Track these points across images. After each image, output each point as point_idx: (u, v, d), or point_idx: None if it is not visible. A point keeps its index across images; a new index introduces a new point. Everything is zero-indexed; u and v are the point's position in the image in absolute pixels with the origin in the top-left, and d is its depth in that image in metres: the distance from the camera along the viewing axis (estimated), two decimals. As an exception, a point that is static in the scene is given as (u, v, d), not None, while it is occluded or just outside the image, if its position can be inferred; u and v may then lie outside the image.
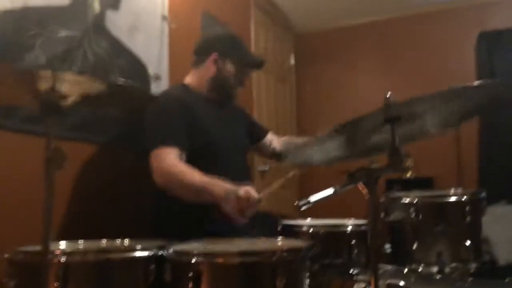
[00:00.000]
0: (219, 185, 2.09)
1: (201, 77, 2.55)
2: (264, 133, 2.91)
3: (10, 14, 2.06)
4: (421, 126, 1.68)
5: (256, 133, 2.85)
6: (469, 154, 4.45)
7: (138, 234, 1.89)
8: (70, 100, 1.40)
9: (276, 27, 5.09)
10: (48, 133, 1.33)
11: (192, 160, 2.26)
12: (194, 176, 2.15)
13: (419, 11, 5.25)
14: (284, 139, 2.95)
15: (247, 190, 2.02)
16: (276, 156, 2.84)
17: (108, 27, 2.57)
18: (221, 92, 2.55)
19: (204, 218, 2.24)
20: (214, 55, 2.52)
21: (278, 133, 4.90)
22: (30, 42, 2.13)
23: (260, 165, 2.87)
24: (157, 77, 2.89)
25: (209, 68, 2.53)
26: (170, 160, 2.20)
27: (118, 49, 2.63)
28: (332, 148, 1.72)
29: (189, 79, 2.59)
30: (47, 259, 1.26)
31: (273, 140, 2.90)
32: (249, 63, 2.63)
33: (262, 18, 4.74)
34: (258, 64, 2.71)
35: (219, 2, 3.80)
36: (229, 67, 2.53)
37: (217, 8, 3.70)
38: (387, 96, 1.55)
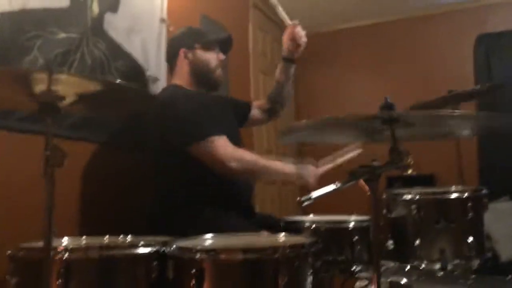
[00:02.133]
0: (287, 165, 2.33)
1: (182, 76, 2.56)
2: (249, 107, 2.93)
3: (9, 16, 2.06)
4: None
5: (242, 112, 2.87)
6: (470, 151, 4.45)
7: (140, 232, 1.89)
8: (67, 101, 1.40)
9: (274, 29, 5.09)
10: (47, 132, 1.33)
11: (191, 163, 2.27)
12: (264, 160, 2.35)
13: (418, 14, 5.26)
14: (266, 95, 3.00)
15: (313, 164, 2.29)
16: (271, 113, 2.93)
17: (106, 29, 2.58)
18: (205, 80, 2.56)
19: (205, 215, 2.24)
20: (181, 51, 2.54)
21: (276, 133, 4.92)
22: (29, 44, 2.13)
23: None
24: (155, 80, 2.89)
25: (182, 65, 2.55)
26: (233, 147, 2.30)
27: (116, 51, 2.63)
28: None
29: (177, 80, 2.58)
30: (49, 256, 1.26)
31: (261, 104, 2.95)
32: (216, 41, 2.63)
33: (260, 21, 4.75)
34: (226, 41, 2.71)
35: (217, 5, 3.81)
36: (200, 54, 2.55)
37: (215, 11, 3.71)
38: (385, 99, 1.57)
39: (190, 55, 2.54)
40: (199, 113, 2.33)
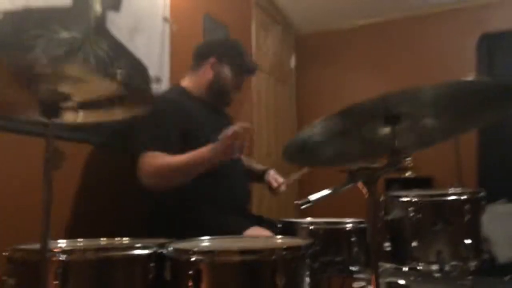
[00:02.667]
0: (203, 149, 2.18)
1: (199, 81, 2.57)
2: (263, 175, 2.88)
3: (11, 15, 2.07)
4: (424, 133, 1.70)
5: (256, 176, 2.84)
6: (468, 153, 4.45)
7: (137, 234, 1.90)
8: (71, 102, 1.41)
9: (277, 28, 5.10)
10: (48, 134, 1.33)
11: None
12: (178, 157, 2.20)
13: (420, 13, 5.26)
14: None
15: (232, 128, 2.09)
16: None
17: (109, 28, 2.58)
18: (218, 96, 2.58)
19: (203, 217, 2.25)
20: (212, 59, 2.55)
21: (278, 134, 4.95)
22: (31, 43, 2.14)
23: (260, 165, 2.87)
24: (158, 79, 2.90)
25: (206, 72, 2.55)
26: (156, 162, 2.22)
27: (119, 50, 2.64)
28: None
29: (186, 82, 2.61)
30: (46, 257, 1.27)
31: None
32: (246, 69, 2.64)
33: (263, 20, 4.76)
34: (252, 70, 2.73)
35: (220, 4, 3.81)
36: (227, 72, 2.55)
37: (218, 10, 3.72)
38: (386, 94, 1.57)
39: (218, 67, 2.55)
40: (154, 125, 2.28)
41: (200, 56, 2.62)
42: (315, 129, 1.65)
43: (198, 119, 2.43)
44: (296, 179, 2.58)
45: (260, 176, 2.75)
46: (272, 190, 2.67)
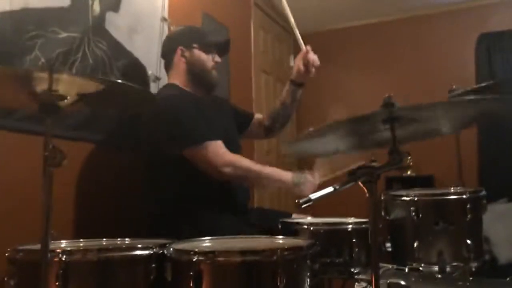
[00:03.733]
0: (284, 172, 2.34)
1: (178, 74, 2.57)
2: (250, 117, 2.94)
3: (10, 15, 2.06)
4: (423, 127, 1.69)
5: (243, 121, 2.87)
6: (469, 152, 4.46)
7: (138, 234, 1.90)
8: (68, 101, 1.40)
9: (276, 28, 5.10)
10: (46, 132, 1.33)
11: (188, 164, 2.28)
12: (260, 167, 2.36)
13: (419, 13, 5.26)
14: (267, 112, 2.96)
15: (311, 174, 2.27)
16: (268, 131, 2.92)
17: (108, 28, 2.58)
18: (200, 81, 2.57)
19: (203, 217, 2.25)
20: (178, 49, 2.55)
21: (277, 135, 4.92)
22: (30, 44, 2.13)
23: (260, 162, 2.88)
24: (156, 79, 2.89)
25: (179, 63, 2.56)
26: (228, 153, 2.30)
27: (118, 50, 2.64)
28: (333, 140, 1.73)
29: (172, 80, 2.61)
30: (46, 258, 1.26)
31: (261, 120, 2.93)
32: (214, 45, 2.63)
33: (262, 20, 4.76)
34: (224, 44, 2.71)
35: (219, 4, 3.81)
36: (197, 54, 2.55)
37: (217, 10, 3.71)
38: (387, 96, 1.56)
39: (187, 54, 2.55)
40: (195, 117, 2.33)
41: (167, 52, 2.63)
42: (314, 137, 1.65)
43: (204, 113, 2.43)
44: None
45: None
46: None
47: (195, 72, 2.55)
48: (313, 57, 2.66)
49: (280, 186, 2.32)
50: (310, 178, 2.28)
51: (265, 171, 2.35)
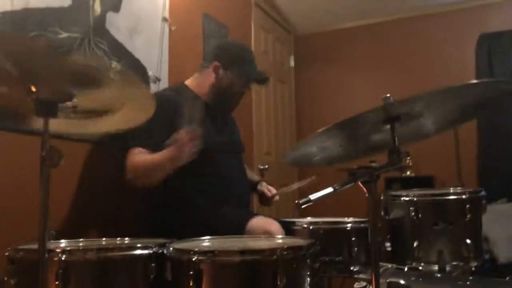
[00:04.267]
0: (171, 149, 2.16)
1: (201, 82, 2.57)
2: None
3: (11, 15, 2.07)
4: (421, 126, 1.69)
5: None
6: (468, 152, 4.46)
7: (138, 233, 1.90)
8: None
9: (276, 29, 5.10)
10: (43, 132, 1.33)
11: (188, 164, 2.27)
12: (154, 155, 2.22)
13: (419, 13, 5.25)
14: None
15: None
16: None
17: (108, 29, 2.58)
18: (219, 100, 2.56)
19: (203, 216, 2.25)
20: (215, 63, 2.53)
21: (277, 134, 4.94)
22: (31, 44, 2.13)
23: (260, 163, 2.89)
24: (157, 79, 2.90)
25: (209, 75, 2.55)
26: (131, 158, 2.26)
27: (119, 51, 2.64)
28: (332, 147, 1.73)
29: (190, 82, 2.61)
30: (45, 257, 1.26)
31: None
32: (250, 78, 2.61)
33: (262, 20, 4.75)
34: (261, 81, 2.69)
35: (219, 4, 3.81)
36: (229, 78, 2.53)
37: (217, 10, 3.71)
38: (386, 96, 1.57)
39: (221, 72, 2.53)
40: (152, 120, 2.28)
41: (208, 58, 2.62)
42: (314, 141, 1.66)
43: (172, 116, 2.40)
44: (302, 187, 2.59)
45: (252, 186, 2.77)
46: (265, 198, 2.70)
47: (217, 92, 2.54)
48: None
49: (173, 163, 2.22)
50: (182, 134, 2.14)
51: (156, 158, 2.22)
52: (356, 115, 1.46)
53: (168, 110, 2.29)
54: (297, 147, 1.94)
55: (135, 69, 2.76)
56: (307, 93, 5.54)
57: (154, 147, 2.23)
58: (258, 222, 2.16)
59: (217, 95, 2.55)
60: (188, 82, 2.61)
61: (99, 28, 2.52)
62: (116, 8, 2.65)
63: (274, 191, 2.70)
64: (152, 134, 2.26)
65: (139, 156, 2.25)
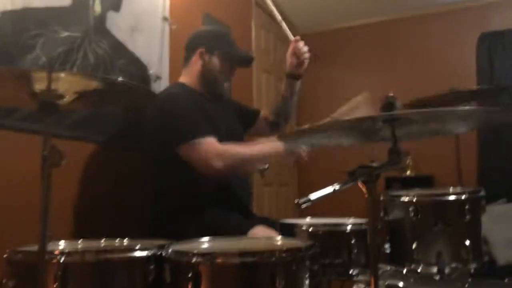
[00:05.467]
0: (272, 143, 2.36)
1: (191, 73, 2.57)
2: (257, 113, 2.93)
3: (11, 15, 2.07)
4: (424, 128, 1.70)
5: (249, 117, 2.88)
6: (468, 153, 4.46)
7: (137, 234, 1.90)
8: (67, 99, 1.40)
9: (277, 27, 5.08)
10: (45, 132, 1.33)
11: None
12: (251, 149, 2.36)
13: (420, 12, 5.26)
14: (270, 108, 2.97)
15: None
16: (273, 127, 2.88)
17: (109, 28, 2.59)
18: (209, 86, 2.56)
19: (203, 217, 2.25)
20: (200, 49, 2.54)
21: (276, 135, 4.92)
22: (31, 43, 2.14)
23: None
24: (158, 78, 2.90)
25: (195, 63, 2.56)
26: (217, 146, 2.28)
27: (119, 50, 2.64)
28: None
29: (182, 78, 2.61)
30: (43, 258, 1.26)
31: (265, 116, 2.92)
32: (236, 58, 2.62)
33: (263, 19, 4.75)
34: (246, 60, 2.72)
35: (220, 3, 3.81)
36: (215, 62, 2.54)
37: (218, 9, 3.71)
38: (387, 95, 1.57)
39: (206, 57, 2.54)
40: (189, 115, 2.32)
41: (189, 48, 2.61)
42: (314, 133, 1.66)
43: (206, 112, 2.44)
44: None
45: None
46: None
47: (207, 79, 2.55)
48: (302, 47, 2.64)
49: (275, 159, 2.31)
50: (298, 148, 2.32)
51: (255, 150, 2.34)
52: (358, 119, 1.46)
53: (193, 102, 2.37)
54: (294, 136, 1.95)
55: (136, 68, 2.76)
56: (308, 92, 5.53)
57: (216, 135, 2.30)
58: (258, 233, 2.17)
59: (206, 82, 2.55)
60: (182, 79, 2.61)
61: (100, 28, 2.52)
62: (117, 7, 2.65)
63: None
64: (206, 123, 2.33)
65: (230, 146, 2.30)
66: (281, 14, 2.70)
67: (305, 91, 5.57)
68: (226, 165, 2.25)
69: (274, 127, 2.88)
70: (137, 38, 2.78)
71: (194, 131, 2.27)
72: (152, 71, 2.87)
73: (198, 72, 2.55)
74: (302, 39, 2.66)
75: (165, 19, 3.02)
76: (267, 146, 2.35)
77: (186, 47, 2.64)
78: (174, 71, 3.00)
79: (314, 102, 5.42)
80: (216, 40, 2.60)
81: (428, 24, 5.24)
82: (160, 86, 2.89)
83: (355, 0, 5.04)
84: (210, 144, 2.26)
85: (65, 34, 2.30)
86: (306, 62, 2.66)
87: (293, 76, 2.76)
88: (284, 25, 2.66)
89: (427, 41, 5.20)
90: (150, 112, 2.37)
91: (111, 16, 2.60)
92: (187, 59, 2.61)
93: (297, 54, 2.64)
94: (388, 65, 5.32)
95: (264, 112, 2.95)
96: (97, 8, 2.51)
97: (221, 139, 2.35)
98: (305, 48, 2.64)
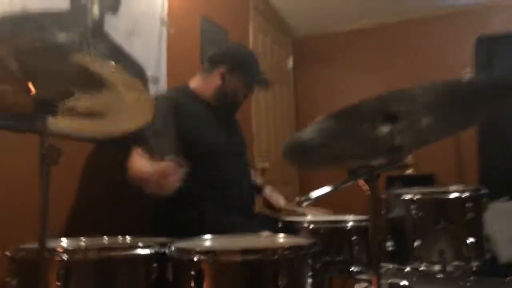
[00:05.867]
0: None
1: (207, 85, 2.58)
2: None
3: (9, 18, 2.06)
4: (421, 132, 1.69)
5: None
6: (469, 151, 4.46)
7: (140, 233, 1.89)
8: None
9: (274, 31, 5.10)
10: (42, 130, 1.33)
11: (192, 164, 2.27)
12: (144, 167, 2.09)
13: (418, 16, 5.26)
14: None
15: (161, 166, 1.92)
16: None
17: (107, 31, 2.58)
18: (224, 103, 2.59)
19: (204, 216, 2.25)
20: (222, 68, 2.55)
21: (276, 137, 4.94)
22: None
23: (260, 162, 2.89)
24: (155, 81, 2.90)
25: (215, 79, 2.56)
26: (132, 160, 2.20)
27: (117, 53, 2.63)
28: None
29: (194, 83, 2.63)
30: (44, 255, 1.26)
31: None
32: (255, 82, 2.65)
33: (260, 23, 4.76)
34: (263, 84, 2.72)
35: (218, 7, 3.81)
36: (235, 83, 2.56)
37: (216, 13, 3.71)
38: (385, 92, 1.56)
39: (227, 77, 2.55)
40: (156, 121, 2.26)
41: (213, 61, 2.62)
42: (314, 130, 1.64)
43: (199, 121, 2.44)
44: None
45: (257, 190, 2.79)
46: (271, 207, 2.70)
47: (223, 96, 2.56)
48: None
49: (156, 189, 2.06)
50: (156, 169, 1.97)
51: (145, 171, 2.05)
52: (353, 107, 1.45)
53: (173, 109, 2.34)
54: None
55: (134, 70, 2.75)
56: (306, 95, 5.55)
57: (154, 151, 2.16)
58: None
59: (222, 98, 2.57)
60: (192, 84, 2.62)
61: (98, 31, 2.52)
62: (114, 10, 2.65)
63: (281, 201, 2.70)
64: (154, 135, 2.24)
65: (138, 161, 2.17)
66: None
67: (302, 92, 5.60)
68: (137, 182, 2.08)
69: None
70: (135, 41, 2.78)
71: (135, 140, 2.21)
72: (150, 73, 2.87)
73: (216, 88, 2.56)
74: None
75: (163, 22, 3.02)
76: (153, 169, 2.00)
77: (210, 59, 2.66)
78: (172, 74, 3.00)
79: (313, 104, 5.43)
80: (240, 63, 2.60)
81: (426, 27, 5.24)
82: (158, 88, 2.88)
83: (354, 3, 5.05)
84: (132, 158, 2.21)
85: (63, 37, 2.29)
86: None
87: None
88: None
89: (425, 43, 5.21)
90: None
91: (109, 19, 2.59)
92: (207, 70, 2.62)
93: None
94: (386, 68, 5.32)
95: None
96: (95, 11, 2.51)
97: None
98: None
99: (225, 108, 2.61)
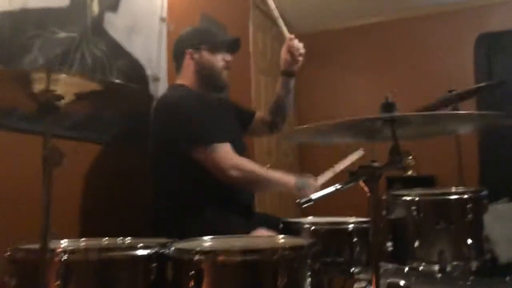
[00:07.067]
0: (288, 177, 2.37)
1: (187, 76, 2.57)
2: (252, 114, 2.93)
3: (9, 16, 2.06)
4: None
5: (245, 118, 2.86)
6: (470, 152, 4.45)
7: (139, 233, 1.89)
8: (66, 101, 1.40)
9: (274, 28, 5.08)
10: (45, 132, 1.33)
11: (192, 164, 2.27)
12: (265, 171, 2.40)
13: (418, 13, 5.25)
14: (267, 108, 2.95)
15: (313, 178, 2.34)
16: (271, 126, 2.87)
17: (106, 28, 2.57)
18: (211, 82, 2.57)
19: (206, 217, 2.25)
20: (187, 52, 2.54)
21: (277, 135, 4.93)
22: (29, 44, 2.12)
23: (260, 163, 2.89)
24: (156, 79, 2.89)
25: (188, 66, 2.56)
26: (236, 156, 2.31)
27: (117, 50, 2.63)
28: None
29: (181, 81, 2.60)
30: (46, 257, 1.26)
31: (262, 116, 2.91)
32: (223, 45, 2.61)
33: (261, 20, 4.75)
34: (234, 44, 2.70)
35: (218, 4, 3.80)
36: (205, 56, 2.54)
37: (216, 10, 3.70)
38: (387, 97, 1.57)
39: (196, 56, 2.54)
40: (204, 118, 2.33)
41: (177, 55, 2.62)
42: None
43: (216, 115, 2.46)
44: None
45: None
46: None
47: (205, 74, 2.55)
48: (297, 44, 2.65)
49: (284, 190, 2.35)
50: (313, 182, 2.31)
51: (270, 175, 2.38)
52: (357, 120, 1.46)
53: (203, 107, 2.40)
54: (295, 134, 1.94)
55: (134, 68, 2.75)
56: (306, 93, 5.53)
57: (230, 139, 2.33)
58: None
59: (204, 78, 2.55)
60: (181, 81, 2.60)
61: (97, 28, 2.51)
62: (114, 8, 2.64)
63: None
64: (219, 127, 2.35)
65: (247, 161, 2.37)
66: (279, 12, 2.68)
67: (304, 92, 5.59)
68: (239, 177, 2.28)
69: (273, 127, 2.87)
70: (135, 38, 2.77)
71: (212, 134, 2.30)
72: (150, 71, 2.86)
73: (194, 72, 2.55)
74: (301, 39, 2.66)
75: (163, 19, 3.01)
76: (281, 177, 2.39)
77: (173, 56, 2.66)
78: (172, 72, 2.99)
79: (313, 102, 5.42)
80: (199, 37, 2.60)
81: (426, 24, 5.23)
82: (158, 87, 2.88)
83: (354, 0, 5.04)
84: (226, 152, 2.29)
85: (62, 35, 2.29)
86: (301, 60, 2.67)
87: (287, 74, 2.77)
88: (280, 22, 2.64)
89: (425, 41, 5.20)
90: (161, 115, 2.38)
91: (108, 16, 2.59)
92: (178, 67, 2.62)
93: (291, 51, 2.65)
94: (386, 66, 5.31)
95: (260, 113, 2.95)
96: (95, 8, 2.50)
97: (226, 141, 2.37)
98: (300, 46, 2.66)
99: (213, 89, 2.59)
